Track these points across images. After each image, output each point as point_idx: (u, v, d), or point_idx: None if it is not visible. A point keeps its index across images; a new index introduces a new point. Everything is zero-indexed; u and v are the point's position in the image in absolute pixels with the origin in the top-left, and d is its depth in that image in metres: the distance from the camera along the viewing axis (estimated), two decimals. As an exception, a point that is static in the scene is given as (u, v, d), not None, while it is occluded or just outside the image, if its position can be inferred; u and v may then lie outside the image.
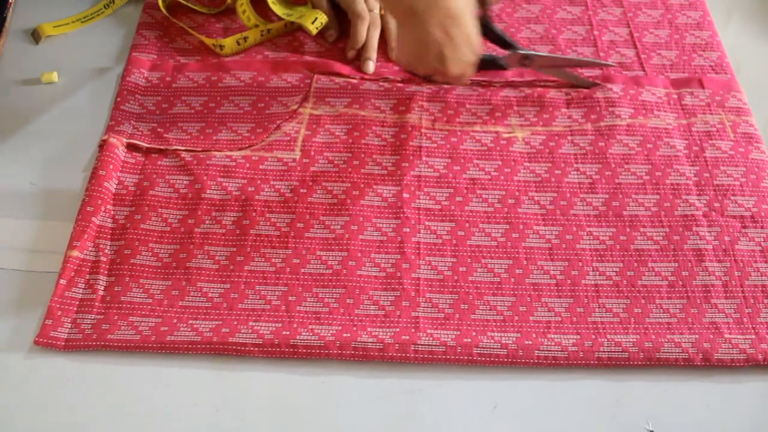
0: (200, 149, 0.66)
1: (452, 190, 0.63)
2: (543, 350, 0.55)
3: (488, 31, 0.68)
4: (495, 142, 0.67)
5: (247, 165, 0.63)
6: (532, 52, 0.70)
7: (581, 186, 0.65)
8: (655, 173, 0.66)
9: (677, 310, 0.58)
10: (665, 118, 0.70)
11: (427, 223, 0.61)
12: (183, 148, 0.66)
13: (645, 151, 0.67)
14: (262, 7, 0.75)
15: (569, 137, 0.68)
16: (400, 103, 0.69)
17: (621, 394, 0.55)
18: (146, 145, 0.66)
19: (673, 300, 0.59)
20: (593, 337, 0.56)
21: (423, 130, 0.67)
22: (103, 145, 0.65)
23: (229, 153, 0.64)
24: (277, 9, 0.75)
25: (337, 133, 0.66)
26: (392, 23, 0.74)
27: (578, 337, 0.56)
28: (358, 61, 0.73)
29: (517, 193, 0.64)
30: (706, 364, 0.56)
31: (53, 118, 0.69)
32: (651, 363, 0.56)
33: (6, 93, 0.71)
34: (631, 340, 0.56)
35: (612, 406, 0.54)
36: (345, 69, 0.72)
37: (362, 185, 0.63)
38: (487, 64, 0.68)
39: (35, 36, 0.74)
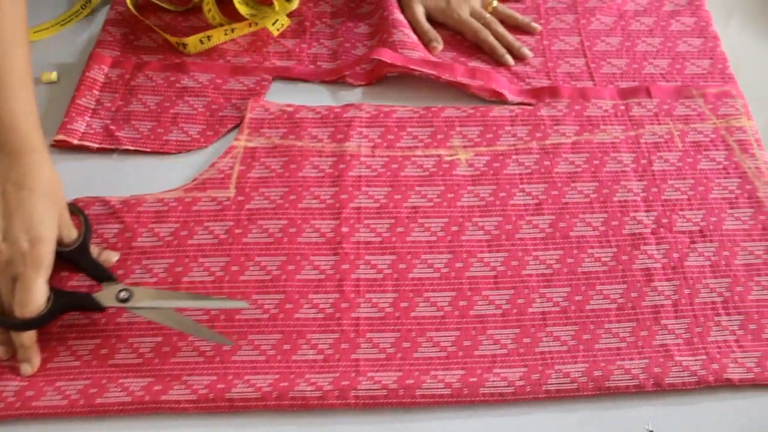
0: (149, 149, 0.66)
1: (393, 221, 0.61)
2: (488, 387, 0.53)
3: (82, 258, 0.57)
4: (437, 166, 0.65)
5: (180, 208, 0.61)
6: (129, 287, 0.55)
7: (527, 208, 0.63)
8: (602, 191, 0.64)
9: (627, 333, 0.57)
10: (612, 131, 0.68)
11: (367, 257, 0.59)
12: (133, 147, 0.66)
13: (592, 168, 0.66)
14: (230, 7, 0.74)
15: (514, 156, 0.66)
16: (338, 131, 0.66)
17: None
18: (96, 145, 0.66)
19: (623, 323, 0.57)
20: (541, 368, 0.55)
21: (362, 158, 0.65)
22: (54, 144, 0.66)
23: (161, 197, 0.62)
24: (242, 9, 0.74)
25: (273, 167, 0.64)
26: (508, 13, 0.78)
27: (525, 369, 0.55)
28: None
29: (460, 220, 0.62)
30: (658, 389, 0.55)
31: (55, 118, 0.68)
32: (601, 392, 0.54)
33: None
34: (579, 369, 0.55)
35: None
36: (304, 73, 0.71)
37: (299, 221, 0.61)
38: (74, 305, 0.56)
39: None
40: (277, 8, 0.75)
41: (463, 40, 0.77)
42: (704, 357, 0.56)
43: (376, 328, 0.56)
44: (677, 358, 0.56)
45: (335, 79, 0.72)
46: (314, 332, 0.56)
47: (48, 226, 0.53)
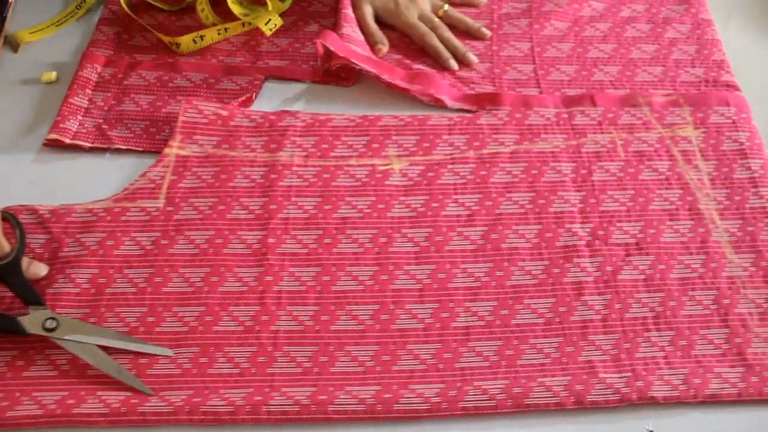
0: (141, 149, 0.66)
1: (321, 232, 0.61)
2: (403, 403, 0.53)
3: (11, 276, 0.54)
4: (370, 176, 0.64)
5: (109, 218, 0.61)
6: (55, 315, 0.54)
7: (459, 219, 0.62)
8: (538, 201, 0.63)
9: (552, 349, 0.56)
10: (553, 140, 0.67)
11: (291, 269, 0.59)
12: (125, 147, 0.66)
13: (529, 178, 0.64)
14: (224, 6, 0.75)
15: (450, 166, 0.65)
16: (271, 140, 0.66)
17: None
18: (89, 145, 0.66)
19: (549, 338, 0.56)
20: (459, 384, 0.54)
21: (294, 168, 0.64)
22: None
23: (90, 206, 0.61)
24: (235, 8, 0.74)
25: (204, 177, 0.63)
26: (457, 18, 0.77)
27: (443, 386, 0.54)
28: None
29: (389, 231, 0.61)
30: (579, 407, 0.53)
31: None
32: (520, 409, 0.53)
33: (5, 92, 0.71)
34: (499, 386, 0.54)
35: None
36: (296, 73, 0.71)
37: (227, 232, 0.60)
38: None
39: (12, 44, 0.74)
40: (270, 8, 0.75)
41: (411, 43, 0.76)
42: (630, 374, 0.55)
43: (294, 342, 0.56)
44: (601, 375, 0.54)
45: (326, 80, 0.72)
46: (232, 345, 0.55)
47: None
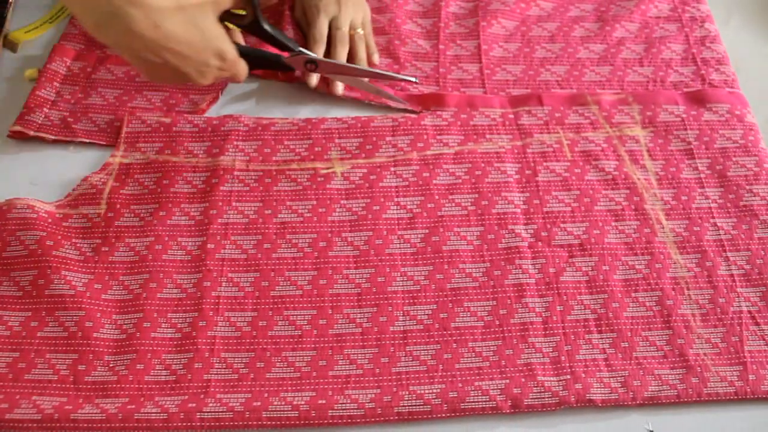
0: (105, 143, 0.67)
1: (261, 237, 0.60)
2: (338, 409, 0.52)
3: (259, 32, 0.64)
4: (312, 180, 0.64)
5: (50, 220, 0.61)
6: (315, 56, 0.67)
7: (400, 222, 0.62)
8: (481, 203, 0.63)
9: (490, 353, 0.55)
10: (498, 141, 0.66)
11: (230, 274, 0.58)
12: (88, 140, 0.66)
13: (473, 179, 0.64)
14: None
15: (392, 168, 0.64)
16: (214, 145, 0.65)
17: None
18: (52, 137, 0.66)
19: (487, 342, 0.56)
20: (394, 390, 0.53)
21: (236, 173, 0.64)
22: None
23: (32, 204, 0.61)
24: None
25: (146, 183, 0.63)
26: (360, 44, 0.72)
27: (378, 391, 0.53)
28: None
29: (329, 235, 0.61)
30: (515, 411, 0.53)
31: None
32: (455, 414, 0.53)
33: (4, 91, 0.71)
34: (434, 390, 0.53)
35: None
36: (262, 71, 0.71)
37: (167, 238, 0.60)
38: (269, 62, 0.66)
39: (10, 45, 0.74)
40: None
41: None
42: (569, 377, 0.54)
43: (231, 348, 0.55)
44: (539, 378, 0.54)
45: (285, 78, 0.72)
46: (169, 352, 0.55)
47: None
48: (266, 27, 0.64)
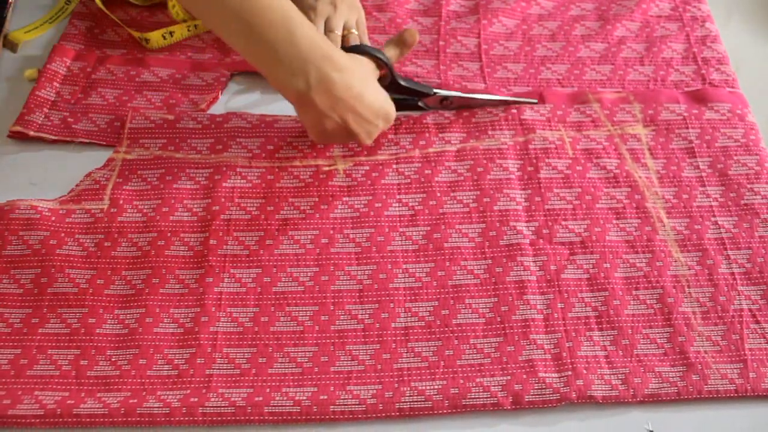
0: (105, 143, 0.67)
1: (263, 233, 0.60)
2: (339, 405, 0.52)
3: (398, 88, 0.66)
4: (314, 176, 0.64)
5: (53, 218, 0.61)
6: (451, 93, 0.68)
7: (402, 219, 0.62)
8: (482, 200, 0.63)
9: (492, 349, 0.56)
10: (500, 137, 0.67)
11: (232, 270, 0.59)
12: (88, 140, 0.67)
13: (474, 176, 0.64)
14: None
15: (394, 166, 0.65)
16: (217, 142, 0.66)
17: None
18: (53, 137, 0.66)
19: (489, 338, 0.56)
20: (396, 386, 0.54)
21: (239, 169, 0.64)
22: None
23: (35, 204, 0.62)
24: None
25: (149, 179, 0.63)
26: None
27: (380, 387, 0.54)
28: None
29: (331, 232, 0.61)
30: (516, 408, 0.53)
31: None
32: (457, 410, 0.53)
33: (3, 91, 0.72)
34: (436, 387, 0.53)
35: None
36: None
37: (169, 234, 0.60)
38: (407, 106, 0.68)
39: (10, 45, 0.74)
40: None
41: None
42: (570, 373, 0.54)
43: (233, 343, 0.56)
44: (540, 375, 0.54)
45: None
46: (172, 347, 0.55)
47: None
48: (402, 82, 0.67)
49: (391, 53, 0.66)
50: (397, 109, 0.66)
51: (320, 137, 0.62)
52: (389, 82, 0.65)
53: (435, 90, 0.67)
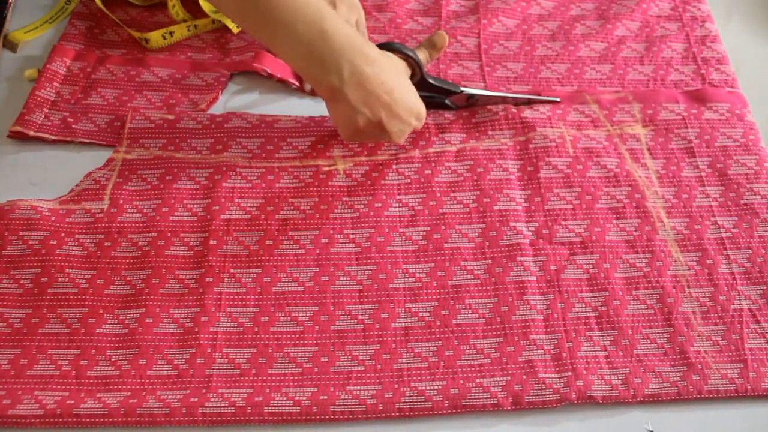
0: (105, 143, 0.67)
1: (263, 233, 0.60)
2: (339, 405, 0.53)
3: (426, 86, 0.66)
4: (314, 177, 0.64)
5: (53, 218, 0.61)
6: (477, 92, 0.68)
7: (402, 219, 0.62)
8: (482, 200, 0.63)
9: (492, 350, 0.56)
10: (500, 137, 0.67)
11: (232, 270, 0.59)
12: (88, 140, 0.67)
13: (474, 177, 0.64)
14: (196, 3, 0.75)
15: (394, 166, 0.65)
16: (217, 142, 0.66)
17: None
18: (52, 137, 0.66)
19: (489, 339, 0.56)
20: (396, 386, 0.54)
21: (239, 170, 0.64)
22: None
23: (35, 204, 0.62)
24: (206, 5, 0.74)
25: (149, 179, 0.63)
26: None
27: (380, 387, 0.54)
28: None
29: (331, 232, 0.61)
30: (516, 408, 0.53)
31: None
32: (457, 411, 0.53)
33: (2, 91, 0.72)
34: (436, 387, 0.54)
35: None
36: (271, 65, 0.70)
37: (169, 234, 0.60)
38: (434, 104, 0.68)
39: (10, 45, 0.74)
40: None
41: None
42: (570, 373, 0.54)
43: (233, 343, 0.56)
44: (540, 375, 0.54)
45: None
46: (171, 347, 0.55)
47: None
48: (431, 80, 0.67)
49: (420, 57, 0.65)
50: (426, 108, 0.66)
51: (351, 135, 0.62)
52: (418, 80, 0.65)
53: (462, 88, 0.67)
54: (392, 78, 0.60)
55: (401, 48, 0.63)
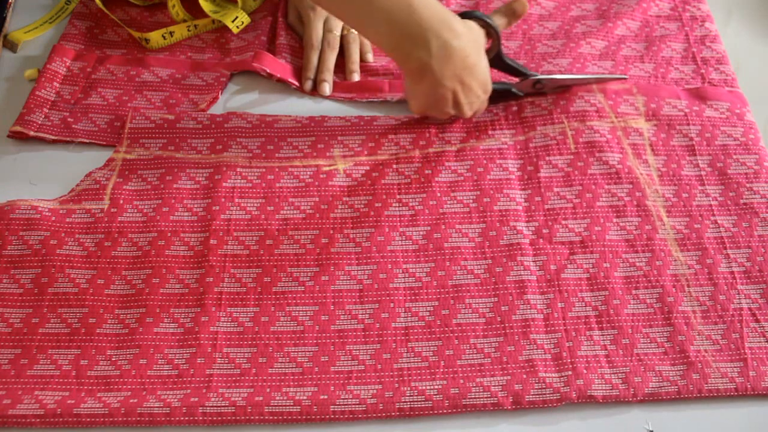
0: (104, 143, 0.67)
1: (263, 233, 0.60)
2: (339, 404, 0.53)
3: (500, 63, 0.67)
4: (314, 176, 0.64)
5: (53, 218, 0.61)
6: (544, 76, 0.69)
7: (402, 219, 0.62)
8: (482, 199, 0.63)
9: (492, 349, 0.56)
10: (500, 136, 0.67)
11: (232, 270, 0.59)
12: (88, 140, 0.67)
13: (474, 176, 0.64)
14: (196, 3, 0.75)
15: (394, 165, 0.65)
16: (217, 142, 0.66)
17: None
18: (52, 138, 0.66)
19: (489, 338, 0.56)
20: (396, 386, 0.54)
21: (239, 169, 0.64)
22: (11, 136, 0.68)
23: (35, 204, 0.62)
24: (206, 5, 0.74)
25: (149, 179, 0.63)
26: (353, 45, 0.73)
27: (380, 387, 0.54)
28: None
29: (331, 232, 0.61)
30: (517, 407, 0.53)
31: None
32: (457, 410, 0.53)
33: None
34: (436, 386, 0.54)
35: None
36: (271, 66, 0.70)
37: (169, 234, 0.60)
38: (501, 94, 0.69)
39: (10, 45, 0.74)
40: (240, 5, 0.75)
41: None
42: (570, 373, 0.54)
43: (233, 343, 0.56)
44: (540, 375, 0.54)
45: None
46: (172, 347, 0.55)
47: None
48: (506, 60, 0.67)
49: (499, 22, 0.65)
50: (493, 101, 0.68)
51: (423, 107, 0.64)
52: (494, 55, 0.65)
53: (532, 73, 0.68)
54: (474, 50, 0.61)
55: (482, 17, 0.63)
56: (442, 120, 0.67)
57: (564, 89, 0.69)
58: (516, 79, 0.68)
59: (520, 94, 0.69)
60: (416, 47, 0.58)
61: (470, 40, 0.61)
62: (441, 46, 0.58)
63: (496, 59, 0.65)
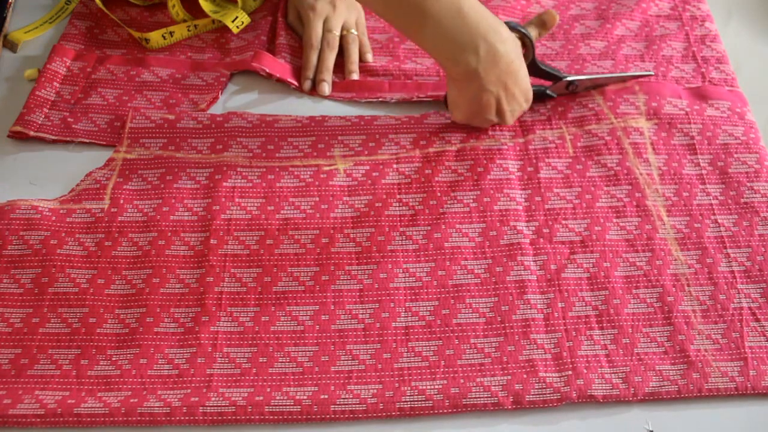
0: (105, 143, 0.67)
1: (263, 233, 0.61)
2: (340, 404, 0.53)
3: (536, 70, 0.67)
4: (314, 176, 0.64)
5: (54, 218, 0.61)
6: (577, 77, 0.69)
7: (402, 219, 0.62)
8: (482, 199, 0.63)
9: (492, 349, 0.56)
10: (500, 137, 0.67)
11: (232, 270, 0.59)
12: (88, 140, 0.67)
13: (474, 176, 0.64)
14: (196, 3, 0.75)
15: (395, 165, 0.65)
16: (217, 142, 0.66)
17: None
18: (52, 137, 0.66)
19: (489, 338, 0.56)
20: (396, 385, 0.54)
21: (239, 169, 0.64)
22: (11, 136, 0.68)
23: (36, 204, 0.62)
24: (206, 5, 0.74)
25: (149, 179, 0.63)
26: (353, 45, 0.73)
27: (380, 386, 0.54)
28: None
29: (331, 231, 0.61)
30: (517, 407, 0.53)
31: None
32: (457, 410, 0.53)
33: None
34: (436, 386, 0.54)
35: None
36: (270, 65, 0.70)
37: (170, 233, 0.60)
38: (537, 95, 0.69)
39: (10, 45, 0.74)
40: (240, 5, 0.75)
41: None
42: (570, 373, 0.54)
43: (234, 343, 0.56)
44: (541, 375, 0.54)
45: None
46: (172, 347, 0.55)
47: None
48: (541, 66, 0.68)
49: (533, 33, 0.66)
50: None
51: (467, 116, 0.64)
52: (529, 62, 0.66)
53: (565, 75, 0.68)
54: (517, 58, 0.62)
55: (518, 27, 0.64)
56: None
57: (597, 88, 0.70)
58: (549, 83, 0.69)
59: (553, 95, 0.70)
60: (465, 52, 0.59)
61: (515, 46, 0.62)
62: (488, 50, 0.59)
63: (532, 66, 0.66)
